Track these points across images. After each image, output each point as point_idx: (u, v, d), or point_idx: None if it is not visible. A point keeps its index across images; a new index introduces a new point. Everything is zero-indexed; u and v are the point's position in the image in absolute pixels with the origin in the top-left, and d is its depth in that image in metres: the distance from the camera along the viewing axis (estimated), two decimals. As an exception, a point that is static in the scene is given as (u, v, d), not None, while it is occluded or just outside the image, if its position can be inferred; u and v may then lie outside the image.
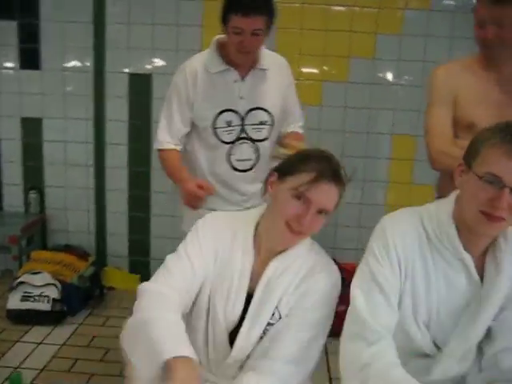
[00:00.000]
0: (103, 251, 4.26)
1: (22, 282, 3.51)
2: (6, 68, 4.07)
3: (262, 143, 2.36)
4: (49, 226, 4.30)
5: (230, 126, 2.30)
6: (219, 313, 1.54)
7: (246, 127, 2.31)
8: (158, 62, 3.95)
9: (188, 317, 1.57)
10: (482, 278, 1.45)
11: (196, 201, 2.24)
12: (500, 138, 1.32)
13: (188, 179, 2.27)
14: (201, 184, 2.22)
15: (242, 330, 1.52)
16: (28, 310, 3.43)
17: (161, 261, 4.42)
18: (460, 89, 2.11)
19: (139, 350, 1.31)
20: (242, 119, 2.31)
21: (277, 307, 1.52)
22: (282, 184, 1.50)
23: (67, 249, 4.01)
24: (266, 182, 1.57)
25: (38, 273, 3.58)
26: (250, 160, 2.35)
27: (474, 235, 1.42)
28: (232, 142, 2.32)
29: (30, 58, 4.01)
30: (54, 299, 3.47)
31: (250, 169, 2.38)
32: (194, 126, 2.38)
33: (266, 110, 2.33)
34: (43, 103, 4.08)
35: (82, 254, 4.00)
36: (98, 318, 3.62)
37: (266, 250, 1.56)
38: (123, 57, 3.94)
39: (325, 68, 3.80)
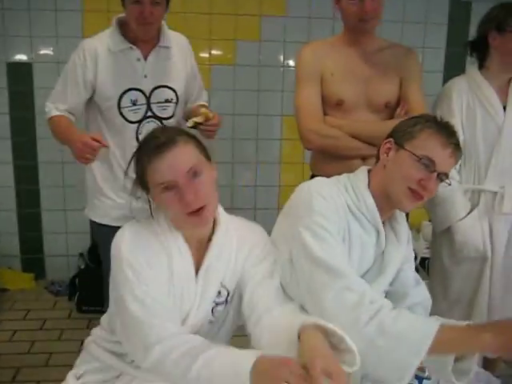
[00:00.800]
0: (-8, 251, 4.04)
1: None
2: None
3: (168, 121, 2.33)
4: None
5: (135, 105, 2.25)
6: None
7: (151, 105, 2.28)
8: (39, 50, 3.77)
9: None
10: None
11: (89, 152, 2.05)
12: (437, 130, 1.54)
13: (77, 135, 2.12)
14: (94, 137, 2.07)
15: (191, 314, 1.50)
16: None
17: (55, 257, 4.26)
18: (327, 67, 2.15)
19: None
20: (148, 98, 2.27)
21: (223, 285, 1.54)
22: (152, 189, 1.49)
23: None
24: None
25: None
26: None
27: (389, 207, 1.61)
28: (139, 122, 2.28)
29: None
30: None
31: None
32: (98, 108, 2.30)
33: (170, 88, 2.31)
34: None
35: (-32, 256, 3.78)
36: (-12, 322, 3.44)
37: (196, 242, 1.54)
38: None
39: (213, 52, 3.79)
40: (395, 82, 2.18)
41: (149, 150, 1.43)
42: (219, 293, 1.54)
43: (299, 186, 1.64)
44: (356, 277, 1.50)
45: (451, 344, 1.40)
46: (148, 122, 2.29)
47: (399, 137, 1.59)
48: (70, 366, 1.65)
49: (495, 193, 2.30)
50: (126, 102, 2.24)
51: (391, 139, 1.60)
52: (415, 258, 3.27)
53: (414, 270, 1.73)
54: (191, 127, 2.16)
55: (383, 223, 1.63)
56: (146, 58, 2.26)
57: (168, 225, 1.50)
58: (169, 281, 1.47)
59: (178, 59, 2.36)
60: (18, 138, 3.88)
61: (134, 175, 1.52)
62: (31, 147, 3.87)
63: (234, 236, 1.59)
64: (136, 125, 2.27)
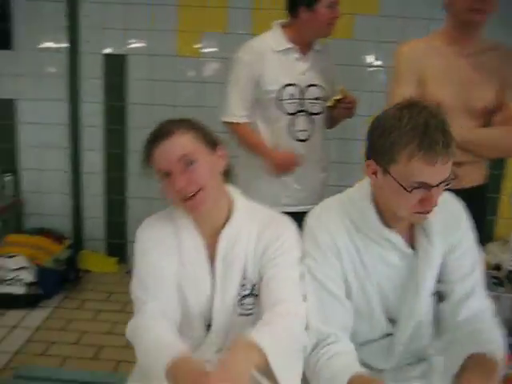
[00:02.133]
0: (79, 234, 4.23)
1: (-4, 266, 3.47)
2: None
3: (317, 116, 2.59)
4: (24, 210, 4.25)
5: (292, 99, 2.52)
6: (192, 303, 1.53)
7: (305, 101, 2.53)
8: (134, 43, 3.90)
9: None
10: (413, 248, 1.48)
11: (289, 165, 2.53)
12: (417, 145, 1.26)
13: (275, 150, 2.56)
14: (289, 154, 2.53)
15: (214, 309, 1.52)
16: (2, 294, 3.40)
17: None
18: (425, 67, 2.10)
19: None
20: (302, 93, 2.52)
21: (244, 277, 1.52)
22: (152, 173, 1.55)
23: (43, 232, 3.97)
24: None
25: (13, 256, 3.54)
26: (306, 131, 2.58)
27: (401, 219, 1.44)
28: (293, 114, 2.53)
29: (1, 38, 3.93)
30: (28, 282, 3.44)
31: (306, 139, 2.59)
32: (256, 101, 2.57)
33: (321, 87, 2.57)
34: (16, 84, 4.01)
35: (58, 237, 3.96)
36: (73, 301, 3.59)
37: (209, 229, 1.55)
38: (98, 37, 3.88)
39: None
40: (495, 86, 2.09)
41: (149, 139, 1.50)
42: (243, 285, 1.52)
43: (311, 211, 1.56)
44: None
45: None
46: (300, 115, 2.54)
47: (380, 159, 1.35)
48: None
49: None
50: (285, 95, 2.50)
51: (373, 161, 1.38)
52: (498, 268, 3.17)
53: (468, 260, 1.49)
54: (331, 106, 2.51)
55: (412, 226, 1.47)
56: (304, 58, 2.53)
57: (184, 214, 1.55)
58: (179, 271, 1.52)
59: (326, 62, 2.63)
60: (109, 126, 4.04)
61: None
62: (121, 136, 4.01)
63: (254, 225, 1.55)
64: (290, 117, 2.53)
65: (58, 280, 3.66)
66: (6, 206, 4.04)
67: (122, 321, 3.25)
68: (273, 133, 2.58)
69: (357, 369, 1.33)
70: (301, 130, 2.56)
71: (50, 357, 2.92)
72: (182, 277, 1.53)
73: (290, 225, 1.57)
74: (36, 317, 3.35)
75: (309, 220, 1.53)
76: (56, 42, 3.92)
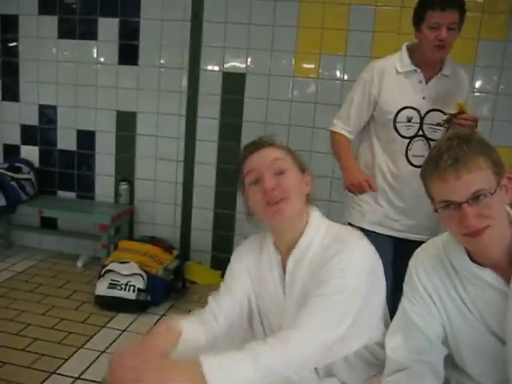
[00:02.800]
0: (187, 245, 4.35)
1: (109, 270, 3.62)
2: (106, 63, 4.23)
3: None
4: (136, 217, 4.44)
5: (409, 122, 2.47)
6: (271, 318, 1.61)
7: (424, 126, 2.47)
8: (253, 62, 3.99)
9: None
10: None
11: (358, 189, 2.48)
12: (431, 168, 1.34)
13: (356, 168, 2.53)
14: (367, 179, 2.46)
15: (285, 319, 1.53)
16: (114, 298, 3.54)
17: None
18: None
19: None
20: (422, 118, 2.46)
21: (305, 292, 1.51)
22: (243, 188, 1.66)
23: (153, 240, 4.10)
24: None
25: (126, 262, 3.68)
26: (423, 157, 2.43)
27: (477, 252, 1.37)
28: (410, 138, 2.48)
29: (128, 54, 4.15)
30: (139, 289, 3.56)
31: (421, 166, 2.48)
32: (373, 121, 2.58)
33: (444, 113, 2.46)
34: (138, 98, 4.22)
35: (167, 247, 4.08)
36: (179, 310, 3.67)
37: (283, 247, 1.59)
38: (218, 55, 4.01)
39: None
40: None
41: (244, 149, 1.62)
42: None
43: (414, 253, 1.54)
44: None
45: None
46: (418, 140, 2.48)
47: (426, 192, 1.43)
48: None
49: None
50: (401, 117, 2.46)
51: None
52: None
53: None
54: (446, 120, 2.38)
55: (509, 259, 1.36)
56: (427, 82, 2.46)
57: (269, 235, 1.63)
58: (260, 294, 1.63)
59: (455, 88, 2.52)
60: (223, 141, 4.14)
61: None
62: (234, 152, 4.09)
63: (318, 241, 1.53)
64: (407, 140, 2.48)
65: (167, 289, 3.77)
66: (121, 213, 4.23)
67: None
68: (387, 153, 2.55)
69: None
70: (416, 156, 2.48)
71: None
72: (262, 302, 1.63)
73: (356, 240, 1.52)
74: (144, 322, 3.46)
75: (411, 261, 1.53)
76: (177, 58, 4.08)
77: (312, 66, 3.89)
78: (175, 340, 1.50)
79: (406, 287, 1.51)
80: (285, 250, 1.59)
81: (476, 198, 1.28)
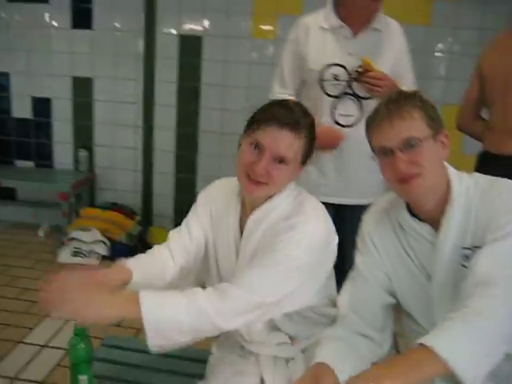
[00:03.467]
0: (149, 211, 4.35)
1: (72, 238, 3.62)
2: (59, 28, 4.13)
3: (367, 101, 2.34)
4: (97, 184, 4.41)
5: (336, 80, 2.32)
6: (222, 268, 1.62)
7: (352, 83, 2.33)
8: (210, 24, 3.95)
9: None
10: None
11: (334, 140, 2.33)
12: (371, 119, 1.43)
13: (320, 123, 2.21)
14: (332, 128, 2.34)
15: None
16: (78, 265, 3.54)
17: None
18: None
19: None
20: (350, 75, 2.32)
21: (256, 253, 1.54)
22: (245, 136, 1.52)
23: (115, 207, 4.11)
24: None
25: (88, 230, 3.67)
26: (352, 116, 2.36)
27: (413, 202, 1.45)
28: (336, 97, 2.34)
29: (82, 18, 4.06)
30: (103, 256, 3.57)
31: (351, 125, 2.36)
32: (302, 80, 2.45)
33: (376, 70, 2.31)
34: (94, 63, 4.14)
35: (129, 213, 4.09)
36: (144, 275, 3.70)
37: (249, 204, 1.57)
38: (174, 18, 3.96)
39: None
40: None
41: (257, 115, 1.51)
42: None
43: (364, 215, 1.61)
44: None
45: None
46: (346, 98, 2.34)
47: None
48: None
49: None
50: (328, 75, 2.31)
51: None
52: None
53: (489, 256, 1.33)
54: (354, 78, 2.27)
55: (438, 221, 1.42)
56: (354, 37, 2.32)
57: (237, 185, 1.60)
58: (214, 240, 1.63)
59: (387, 43, 2.36)
60: (182, 105, 4.12)
61: None
62: (194, 116, 4.09)
63: (278, 210, 1.52)
64: (333, 99, 2.33)
65: (130, 255, 3.75)
66: (81, 181, 4.19)
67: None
68: (315, 114, 2.38)
69: (324, 358, 1.34)
70: (344, 115, 2.34)
71: (124, 328, 3.03)
72: (215, 240, 1.64)
73: (316, 215, 1.52)
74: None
75: (363, 217, 1.61)
76: (133, 22, 4.01)
77: (269, 27, 3.88)
78: (124, 278, 1.50)
79: (357, 240, 1.60)
80: (250, 209, 1.57)
81: (408, 145, 1.35)
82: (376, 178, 1.95)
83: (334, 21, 2.31)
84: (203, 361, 1.75)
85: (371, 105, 2.24)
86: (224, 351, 1.69)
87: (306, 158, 1.53)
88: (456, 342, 1.15)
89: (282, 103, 1.53)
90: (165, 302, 1.31)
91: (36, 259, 3.81)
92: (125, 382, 1.73)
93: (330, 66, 2.30)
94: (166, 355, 1.71)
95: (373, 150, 1.45)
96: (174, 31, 3.99)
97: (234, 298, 1.36)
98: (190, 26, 3.97)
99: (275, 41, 3.85)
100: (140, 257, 1.62)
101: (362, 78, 2.25)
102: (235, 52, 3.95)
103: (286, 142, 1.45)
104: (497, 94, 2.40)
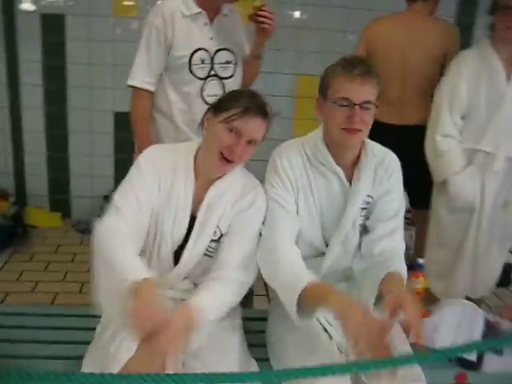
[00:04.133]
0: (23, 191, 4.36)
1: None
2: None
3: (228, 80, 2.58)
4: (-35, 168, 4.33)
5: (203, 64, 2.51)
6: (166, 233, 1.78)
7: (214, 66, 2.53)
8: (72, 1, 4.00)
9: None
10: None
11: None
12: (341, 68, 1.70)
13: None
14: None
15: (188, 246, 1.78)
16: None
17: (81, 198, 4.56)
18: None
19: (105, 277, 1.55)
20: (212, 58, 2.53)
21: (218, 226, 1.78)
22: (216, 118, 1.74)
23: (-14, 190, 4.08)
24: (202, 119, 1.82)
25: (-40, 213, 3.65)
26: (216, 96, 2.45)
27: (341, 149, 1.80)
28: (204, 79, 2.53)
29: None
30: (-22, 238, 3.58)
31: None
32: (166, 65, 2.56)
33: (230, 51, 2.56)
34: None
35: (2, 194, 4.08)
36: (24, 254, 3.76)
37: (203, 178, 1.81)
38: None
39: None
40: None
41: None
42: (214, 232, 1.79)
43: (276, 148, 1.91)
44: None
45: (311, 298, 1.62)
46: (210, 80, 2.55)
47: (322, 90, 1.79)
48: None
49: (489, 153, 2.61)
50: (196, 60, 2.50)
51: (318, 95, 1.82)
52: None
53: (394, 206, 1.86)
54: (250, 19, 2.45)
55: (353, 167, 1.83)
56: (211, 23, 2.53)
57: (187, 155, 1.80)
58: (160, 206, 1.76)
59: (235, 25, 2.63)
60: (49, 85, 4.14)
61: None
62: (61, 95, 4.14)
63: (237, 186, 1.81)
64: (202, 81, 2.54)
65: (7, 235, 3.82)
66: None
67: (74, 269, 3.50)
68: (182, 97, 2.55)
69: (308, 277, 1.63)
70: (211, 95, 2.50)
71: (7, 305, 3.10)
72: (163, 213, 1.78)
73: (258, 194, 1.83)
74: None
75: (274, 152, 1.88)
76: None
77: (131, 3, 4.01)
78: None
79: (268, 175, 1.85)
80: (202, 182, 1.79)
81: (365, 105, 1.69)
82: None
83: (194, 8, 2.48)
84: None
85: (231, 83, 2.58)
86: None
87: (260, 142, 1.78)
88: None
89: (251, 93, 1.78)
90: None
91: None
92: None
93: (196, 50, 2.49)
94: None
95: (323, 95, 1.76)
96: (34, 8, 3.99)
97: (247, 279, 1.74)
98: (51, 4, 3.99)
99: (138, 18, 3.97)
100: (129, 251, 1.60)
101: (262, 13, 2.42)
102: (99, 30, 4.04)
103: (259, 127, 1.72)
104: (393, 68, 2.88)
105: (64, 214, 4.40)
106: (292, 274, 1.65)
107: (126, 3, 4.01)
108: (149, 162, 1.78)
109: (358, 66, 1.68)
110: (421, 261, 2.41)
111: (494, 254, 2.73)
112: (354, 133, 1.72)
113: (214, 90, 2.54)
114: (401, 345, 1.71)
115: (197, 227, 1.78)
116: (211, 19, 2.53)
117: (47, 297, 3.20)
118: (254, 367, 1.75)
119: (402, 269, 1.74)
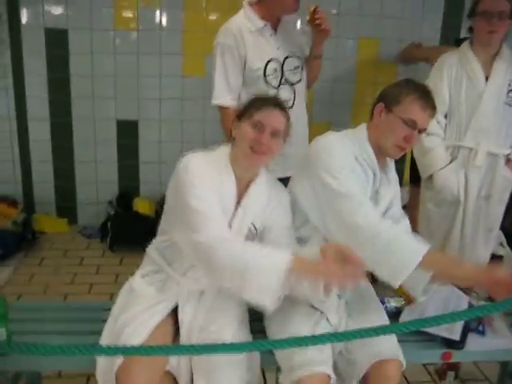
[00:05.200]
0: (31, 199, 4.52)
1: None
2: None
3: (298, 85, 2.76)
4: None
5: (275, 73, 2.68)
6: None
7: (285, 73, 2.70)
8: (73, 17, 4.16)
9: None
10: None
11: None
12: (418, 96, 1.92)
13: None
14: None
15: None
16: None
17: (86, 204, 4.66)
18: None
19: (252, 280, 1.66)
20: (282, 66, 2.69)
21: (252, 223, 1.94)
22: (240, 122, 1.91)
23: (-4, 198, 4.24)
24: (230, 131, 1.98)
25: (-28, 221, 3.81)
26: (290, 100, 2.71)
27: (382, 155, 2.02)
28: (277, 87, 2.70)
29: None
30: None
31: (291, 107, 2.67)
32: (243, 80, 2.70)
33: (296, 56, 2.73)
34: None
35: (11, 202, 4.24)
36: (33, 258, 3.93)
37: (239, 180, 1.92)
38: (38, 8, 4.11)
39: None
40: None
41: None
42: (249, 229, 1.93)
43: (316, 140, 2.06)
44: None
45: (435, 266, 1.88)
46: (282, 87, 2.72)
47: (388, 102, 1.96)
48: (109, 294, 2.16)
49: (471, 149, 2.79)
50: (269, 71, 2.67)
51: (382, 103, 1.98)
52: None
53: (400, 206, 2.16)
54: (309, 22, 2.63)
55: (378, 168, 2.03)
56: (276, 33, 2.69)
57: (224, 159, 1.93)
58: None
59: (296, 29, 2.82)
60: (54, 96, 4.31)
61: None
62: (66, 105, 4.31)
63: (268, 188, 1.99)
64: (276, 90, 2.70)
65: (17, 241, 3.98)
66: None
67: (81, 272, 3.67)
68: None
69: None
70: (285, 101, 2.57)
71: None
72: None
73: (287, 193, 2.06)
74: (1, 274, 3.66)
75: (324, 143, 2.02)
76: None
77: (131, 15, 4.19)
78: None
79: (325, 164, 1.96)
80: (242, 184, 1.93)
81: (422, 131, 1.97)
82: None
83: (258, 22, 2.64)
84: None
85: (300, 87, 2.77)
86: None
87: (286, 135, 1.95)
88: None
89: (264, 95, 2.04)
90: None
91: None
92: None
93: (269, 61, 2.65)
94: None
95: (388, 105, 1.96)
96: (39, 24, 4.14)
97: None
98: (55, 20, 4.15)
99: (137, 31, 4.17)
100: (252, 249, 1.78)
101: (316, 15, 2.59)
102: (100, 43, 4.20)
103: (278, 117, 1.89)
104: None
105: (70, 220, 4.57)
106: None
107: (125, 16, 4.18)
108: (198, 172, 1.85)
109: (431, 98, 1.95)
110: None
111: (479, 244, 2.90)
112: (402, 150, 1.98)
113: (286, 96, 2.68)
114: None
115: (236, 222, 1.91)
116: (275, 29, 2.69)
117: (58, 298, 3.36)
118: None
119: None
